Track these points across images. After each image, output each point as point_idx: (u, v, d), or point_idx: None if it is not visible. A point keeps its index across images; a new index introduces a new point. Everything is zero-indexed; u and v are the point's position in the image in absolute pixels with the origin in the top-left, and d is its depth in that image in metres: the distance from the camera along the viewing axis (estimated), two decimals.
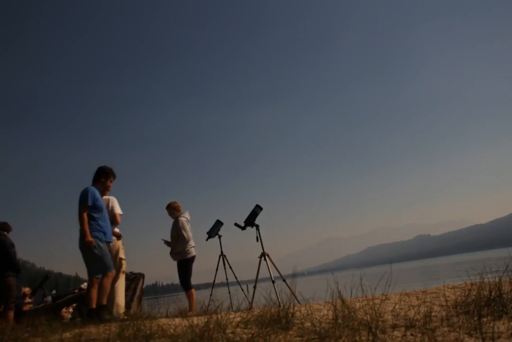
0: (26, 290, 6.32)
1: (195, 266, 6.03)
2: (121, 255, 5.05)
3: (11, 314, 5.42)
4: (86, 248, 4.11)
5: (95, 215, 4.31)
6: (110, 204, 5.01)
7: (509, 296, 2.29)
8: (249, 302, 4.95)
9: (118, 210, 5.03)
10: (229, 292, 5.86)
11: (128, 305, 4.98)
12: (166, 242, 5.75)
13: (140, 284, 4.95)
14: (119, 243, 5.11)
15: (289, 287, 4.71)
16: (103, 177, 4.61)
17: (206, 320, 2.49)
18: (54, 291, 6.13)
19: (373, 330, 1.88)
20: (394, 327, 2.14)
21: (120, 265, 4.95)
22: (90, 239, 4.10)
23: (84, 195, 4.29)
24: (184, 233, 5.63)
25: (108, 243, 4.38)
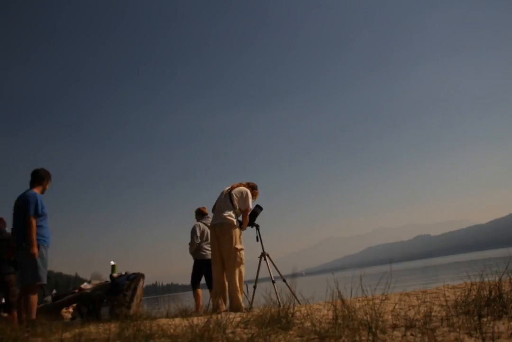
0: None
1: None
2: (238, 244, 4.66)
3: (15, 313, 5.29)
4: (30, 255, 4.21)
5: (43, 223, 4.42)
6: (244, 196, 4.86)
7: (509, 296, 2.29)
8: (249, 302, 4.94)
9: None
10: None
11: (128, 305, 4.97)
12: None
13: (140, 283, 4.94)
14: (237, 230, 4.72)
15: (289, 287, 4.71)
16: (45, 180, 4.65)
17: (206, 320, 2.49)
18: (54, 291, 6.10)
19: (373, 330, 1.88)
20: (394, 327, 2.14)
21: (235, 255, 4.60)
22: (36, 251, 4.22)
23: (34, 202, 4.34)
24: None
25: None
